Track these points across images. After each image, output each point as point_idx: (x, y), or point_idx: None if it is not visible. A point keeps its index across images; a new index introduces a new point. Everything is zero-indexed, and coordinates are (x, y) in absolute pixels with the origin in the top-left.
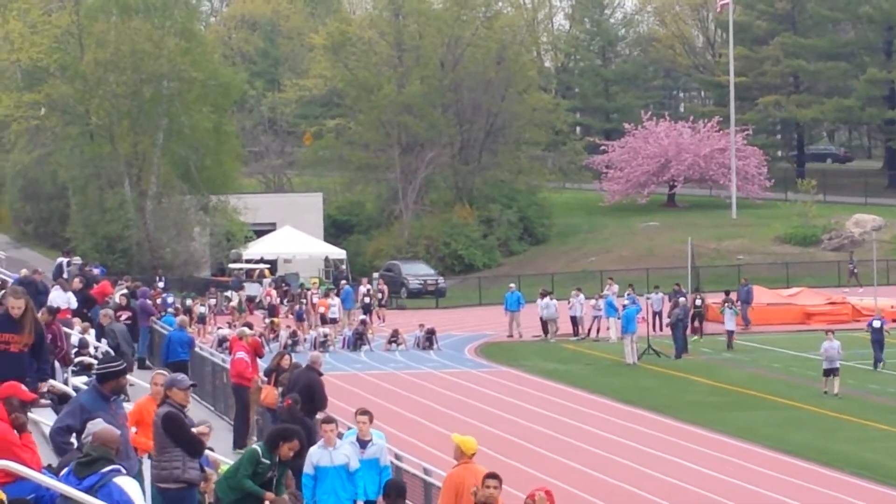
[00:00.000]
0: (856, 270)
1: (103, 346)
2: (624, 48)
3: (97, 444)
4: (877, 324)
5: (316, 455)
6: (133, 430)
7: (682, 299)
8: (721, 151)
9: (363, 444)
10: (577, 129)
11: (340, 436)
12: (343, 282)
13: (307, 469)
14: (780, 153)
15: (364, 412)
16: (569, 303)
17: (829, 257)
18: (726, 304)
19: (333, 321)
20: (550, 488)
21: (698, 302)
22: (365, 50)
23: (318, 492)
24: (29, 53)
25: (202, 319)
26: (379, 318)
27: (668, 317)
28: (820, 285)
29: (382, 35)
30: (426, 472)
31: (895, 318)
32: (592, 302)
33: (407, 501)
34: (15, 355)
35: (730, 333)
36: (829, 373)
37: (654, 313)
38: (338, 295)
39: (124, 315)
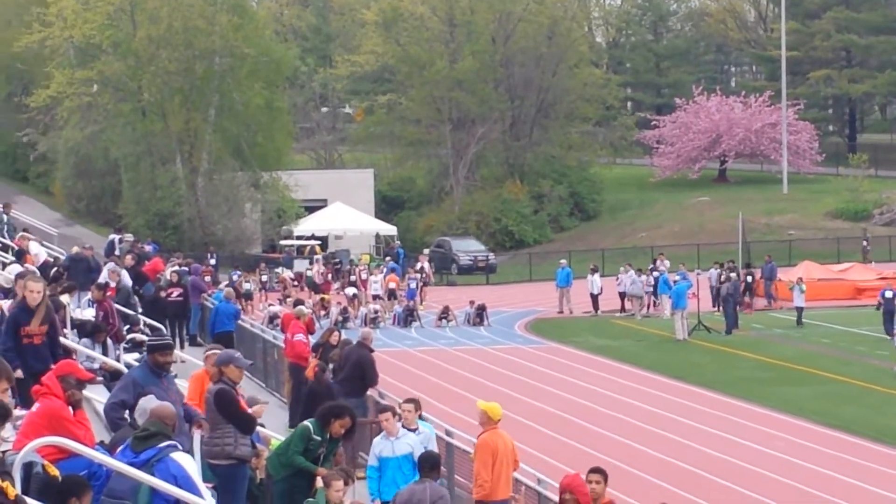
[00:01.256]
0: (868, 247)
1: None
2: (675, 23)
3: (154, 420)
4: (889, 294)
5: (378, 446)
6: None
7: (732, 275)
8: (772, 126)
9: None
10: (629, 104)
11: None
12: (388, 258)
13: (371, 461)
14: (831, 128)
15: (410, 401)
16: (617, 279)
17: (880, 232)
18: (796, 282)
19: (376, 297)
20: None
21: (749, 278)
22: (417, 25)
23: (381, 483)
24: (82, 30)
25: (248, 296)
26: (422, 297)
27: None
28: (872, 260)
29: (434, 10)
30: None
31: None
32: (643, 278)
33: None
34: (39, 347)
35: (799, 310)
36: None
37: (712, 288)
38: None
39: (175, 292)
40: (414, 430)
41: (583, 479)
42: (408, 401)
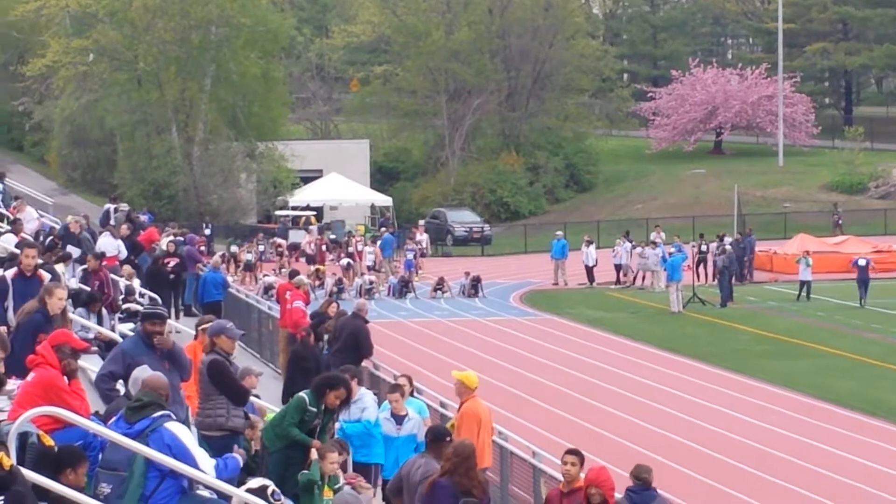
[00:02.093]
0: (840, 221)
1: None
2: None
3: (147, 390)
4: (862, 262)
5: (385, 425)
6: None
7: (728, 247)
8: (768, 98)
9: (399, 419)
10: (625, 76)
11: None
12: (383, 229)
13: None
14: (827, 100)
15: (394, 389)
16: (613, 250)
17: (875, 205)
18: (803, 255)
19: (370, 269)
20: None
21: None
22: None
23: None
24: None
25: (249, 266)
26: (418, 268)
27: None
28: (866, 233)
29: None
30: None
31: None
32: (639, 250)
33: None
34: None
35: (806, 284)
36: None
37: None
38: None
39: (172, 262)
40: (404, 417)
41: (609, 473)
42: (392, 390)
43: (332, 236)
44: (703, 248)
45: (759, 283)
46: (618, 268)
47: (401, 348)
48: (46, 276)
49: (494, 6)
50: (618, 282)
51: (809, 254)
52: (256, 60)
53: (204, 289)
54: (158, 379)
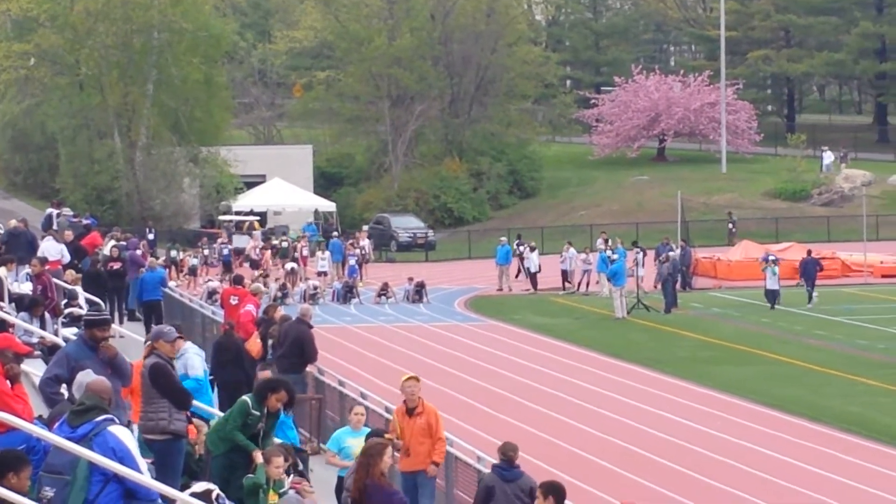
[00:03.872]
0: (734, 229)
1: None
2: (614, 1)
3: (90, 394)
4: (771, 258)
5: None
6: None
7: (671, 253)
8: (711, 106)
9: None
10: (567, 82)
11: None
12: (335, 233)
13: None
14: (770, 107)
15: (358, 410)
16: (560, 256)
17: (818, 212)
18: (769, 263)
19: (323, 274)
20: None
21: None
22: (356, 2)
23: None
24: (19, 3)
25: (193, 271)
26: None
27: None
28: (810, 240)
29: None
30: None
31: (884, 274)
32: (583, 256)
33: None
34: None
35: (772, 293)
36: None
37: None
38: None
39: (115, 266)
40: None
41: None
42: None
43: (279, 242)
44: (640, 255)
45: (704, 290)
46: (564, 273)
47: (345, 353)
48: None
49: (437, 12)
50: (564, 288)
51: (777, 263)
52: (199, 65)
53: (143, 288)
54: (101, 383)
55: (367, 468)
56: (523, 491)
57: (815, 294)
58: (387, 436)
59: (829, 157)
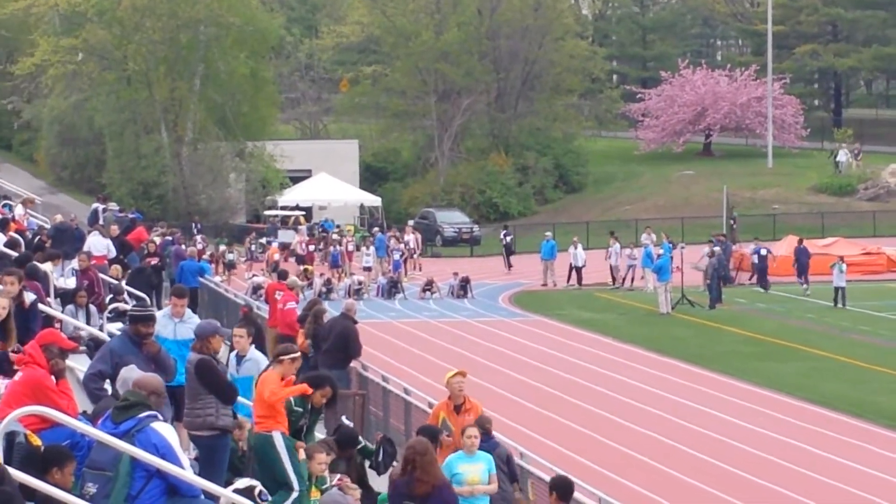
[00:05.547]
0: (735, 226)
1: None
2: None
3: (133, 390)
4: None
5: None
6: None
7: (717, 249)
8: (758, 100)
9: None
10: (614, 77)
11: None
12: (376, 229)
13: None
14: (816, 102)
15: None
16: (606, 252)
17: (864, 207)
18: (837, 260)
19: (367, 269)
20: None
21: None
22: None
23: None
24: None
25: (231, 266)
26: (415, 267)
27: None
28: (855, 235)
29: None
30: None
31: None
32: (628, 251)
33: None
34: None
35: (839, 290)
36: None
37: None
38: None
39: (153, 261)
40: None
41: None
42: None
43: (322, 236)
44: (717, 249)
45: (748, 286)
46: (612, 268)
47: (389, 349)
48: None
49: (484, 7)
50: (614, 282)
51: (843, 259)
52: (245, 60)
53: (181, 277)
54: (154, 380)
55: (428, 467)
56: (501, 459)
57: (805, 286)
58: (443, 436)
59: (843, 154)
